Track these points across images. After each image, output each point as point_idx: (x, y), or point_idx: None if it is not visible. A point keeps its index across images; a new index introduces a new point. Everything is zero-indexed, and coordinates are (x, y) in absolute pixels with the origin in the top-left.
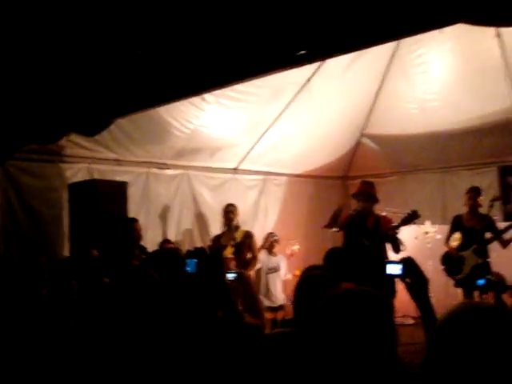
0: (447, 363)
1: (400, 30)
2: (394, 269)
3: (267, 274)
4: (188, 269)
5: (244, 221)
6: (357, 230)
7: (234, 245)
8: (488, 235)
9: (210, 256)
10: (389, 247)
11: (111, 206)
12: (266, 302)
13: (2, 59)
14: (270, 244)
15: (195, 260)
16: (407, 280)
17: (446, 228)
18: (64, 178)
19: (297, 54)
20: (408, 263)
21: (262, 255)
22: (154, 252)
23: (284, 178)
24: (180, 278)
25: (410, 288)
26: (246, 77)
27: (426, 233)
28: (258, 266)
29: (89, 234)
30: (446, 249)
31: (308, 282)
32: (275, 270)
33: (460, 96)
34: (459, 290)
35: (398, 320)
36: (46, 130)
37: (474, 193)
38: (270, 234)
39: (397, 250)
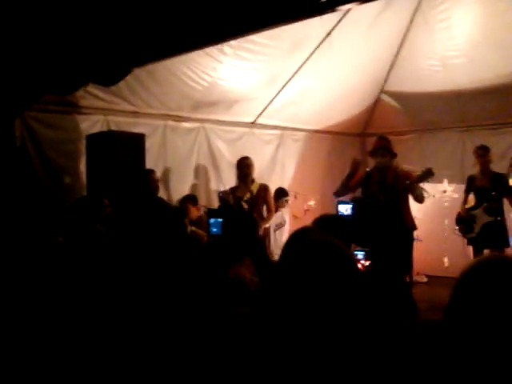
0: (471, 311)
1: None
2: (344, 209)
3: (275, 230)
4: (213, 230)
5: (260, 176)
6: (375, 186)
7: (249, 198)
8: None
9: (240, 215)
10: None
11: (129, 157)
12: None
13: (20, 7)
14: (281, 201)
15: (220, 220)
16: None
17: (463, 188)
18: (81, 129)
19: (319, 1)
20: (358, 202)
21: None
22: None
23: (302, 134)
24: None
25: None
26: (267, 25)
27: (444, 191)
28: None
29: (106, 185)
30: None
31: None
32: (281, 225)
33: (484, 53)
34: (471, 249)
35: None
36: (63, 80)
37: (483, 151)
38: (281, 190)
39: (419, 199)
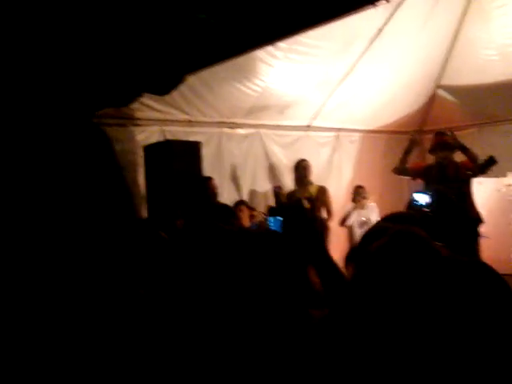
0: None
1: None
2: (421, 198)
3: (360, 228)
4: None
5: (317, 178)
6: (436, 180)
7: (308, 200)
8: None
9: (301, 213)
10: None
11: (186, 165)
12: None
13: (74, 20)
14: (359, 198)
15: (280, 218)
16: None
17: None
18: (138, 141)
19: None
20: (439, 193)
21: (352, 210)
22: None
23: (357, 134)
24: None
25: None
26: (318, 22)
27: (509, 185)
28: (349, 223)
29: (165, 195)
30: None
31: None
32: (366, 223)
33: None
34: None
35: None
36: (118, 92)
37: None
38: (358, 189)
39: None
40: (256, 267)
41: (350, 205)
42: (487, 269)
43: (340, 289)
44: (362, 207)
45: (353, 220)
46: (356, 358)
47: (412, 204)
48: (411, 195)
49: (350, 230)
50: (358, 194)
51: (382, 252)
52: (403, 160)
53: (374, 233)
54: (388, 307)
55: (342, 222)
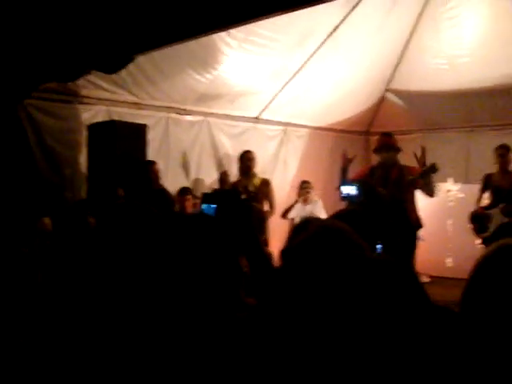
0: (489, 299)
1: None
2: (348, 190)
3: None
4: None
5: (263, 172)
6: (378, 181)
7: (250, 192)
8: None
9: (236, 201)
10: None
11: (130, 148)
12: None
13: None
14: (303, 193)
15: (214, 206)
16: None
17: (469, 187)
18: (82, 119)
19: None
20: (364, 184)
21: (297, 205)
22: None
23: (305, 130)
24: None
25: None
26: (275, 10)
27: (448, 191)
28: (291, 215)
29: (107, 176)
30: (470, 208)
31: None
32: None
33: (493, 53)
34: (477, 249)
35: None
36: (65, 67)
37: (504, 150)
38: (304, 184)
39: (429, 193)
40: (187, 250)
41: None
42: (405, 270)
43: (266, 280)
44: (306, 202)
45: (296, 214)
46: (274, 353)
47: (341, 196)
48: (339, 188)
49: (291, 223)
50: (302, 189)
51: (301, 246)
52: (342, 176)
53: (301, 227)
54: (302, 302)
55: (284, 214)
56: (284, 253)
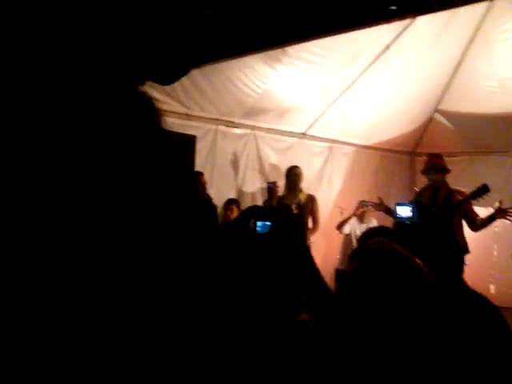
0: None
1: None
2: (403, 210)
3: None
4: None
5: (308, 188)
6: (428, 203)
7: (297, 207)
8: None
9: (290, 219)
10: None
11: (180, 158)
12: None
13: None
14: (362, 212)
15: (269, 223)
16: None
17: None
18: None
19: (388, 9)
20: (420, 205)
21: (352, 221)
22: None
23: (351, 148)
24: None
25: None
26: (331, 31)
27: None
28: (346, 231)
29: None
30: None
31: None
32: None
33: None
34: None
35: None
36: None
37: None
38: (362, 202)
39: (472, 225)
40: (253, 271)
41: (353, 218)
42: (481, 299)
43: (323, 301)
44: (362, 219)
45: (350, 230)
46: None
47: (395, 217)
48: (394, 208)
49: (346, 238)
50: (360, 207)
51: (361, 270)
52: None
53: (359, 251)
54: (365, 326)
55: (339, 227)
56: (341, 276)
